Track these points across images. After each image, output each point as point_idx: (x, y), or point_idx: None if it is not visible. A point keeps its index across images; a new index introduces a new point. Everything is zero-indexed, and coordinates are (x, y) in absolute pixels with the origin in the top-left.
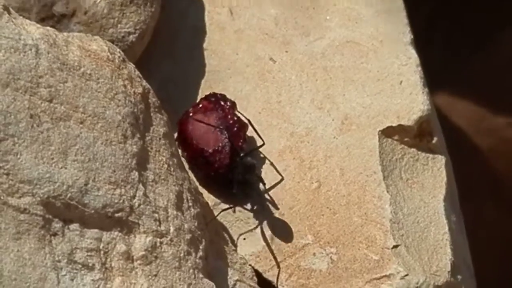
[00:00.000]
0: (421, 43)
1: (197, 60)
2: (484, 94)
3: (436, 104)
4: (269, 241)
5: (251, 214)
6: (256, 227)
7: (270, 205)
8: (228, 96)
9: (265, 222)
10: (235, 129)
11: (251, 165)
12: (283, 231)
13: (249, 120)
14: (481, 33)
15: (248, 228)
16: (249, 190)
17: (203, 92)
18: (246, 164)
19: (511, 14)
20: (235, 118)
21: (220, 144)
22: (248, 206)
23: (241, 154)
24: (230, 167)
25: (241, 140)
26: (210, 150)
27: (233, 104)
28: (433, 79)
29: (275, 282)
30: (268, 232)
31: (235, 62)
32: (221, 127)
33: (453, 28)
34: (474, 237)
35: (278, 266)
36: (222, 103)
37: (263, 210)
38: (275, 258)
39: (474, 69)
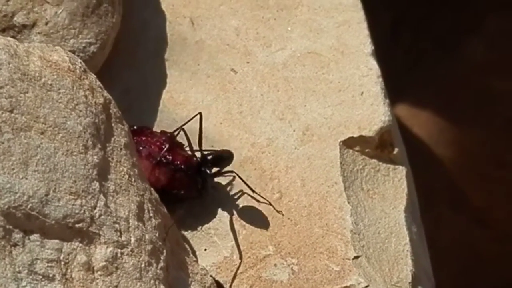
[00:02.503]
0: (382, 54)
1: (158, 71)
2: (445, 105)
3: (397, 115)
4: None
5: (212, 225)
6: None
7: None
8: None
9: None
10: (165, 149)
11: (215, 157)
12: (257, 218)
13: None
14: (443, 45)
15: (210, 239)
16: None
17: (164, 102)
18: (214, 159)
19: (472, 25)
20: (159, 141)
21: (168, 173)
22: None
23: (198, 159)
24: (192, 182)
25: (183, 153)
26: (164, 184)
27: (145, 128)
28: (394, 90)
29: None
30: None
31: (196, 73)
32: (156, 160)
33: (415, 39)
34: (434, 247)
35: (241, 258)
36: (136, 137)
37: (231, 203)
38: (239, 250)
39: (436, 80)
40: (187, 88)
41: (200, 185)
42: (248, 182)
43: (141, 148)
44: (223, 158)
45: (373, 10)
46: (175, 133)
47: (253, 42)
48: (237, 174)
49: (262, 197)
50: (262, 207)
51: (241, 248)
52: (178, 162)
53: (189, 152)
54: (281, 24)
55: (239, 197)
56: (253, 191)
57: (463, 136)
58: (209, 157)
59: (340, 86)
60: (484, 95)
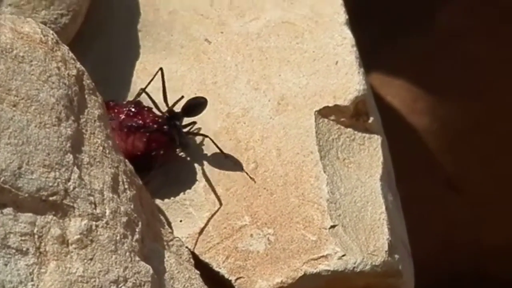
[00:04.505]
0: (356, 22)
1: (132, 42)
2: (418, 73)
3: (371, 83)
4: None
5: (187, 196)
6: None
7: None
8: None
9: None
10: (134, 112)
11: (186, 106)
12: (230, 162)
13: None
14: (416, 13)
15: (185, 210)
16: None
17: (137, 73)
18: (186, 108)
19: None
20: (126, 109)
21: (143, 136)
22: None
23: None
24: (169, 139)
25: (152, 114)
26: (142, 148)
27: (110, 101)
28: (368, 59)
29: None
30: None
31: (170, 43)
32: (128, 125)
33: (388, 7)
34: (410, 215)
35: (220, 204)
36: None
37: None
38: (217, 196)
39: (409, 49)
40: (161, 59)
41: (178, 140)
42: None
43: (110, 121)
44: (195, 105)
45: None
46: (138, 96)
47: (227, 12)
48: (210, 138)
49: (235, 159)
50: (238, 176)
51: (217, 219)
52: (150, 123)
53: (158, 112)
54: None
55: (210, 154)
56: (226, 156)
57: (436, 103)
58: (180, 108)
59: (314, 56)
60: (458, 62)
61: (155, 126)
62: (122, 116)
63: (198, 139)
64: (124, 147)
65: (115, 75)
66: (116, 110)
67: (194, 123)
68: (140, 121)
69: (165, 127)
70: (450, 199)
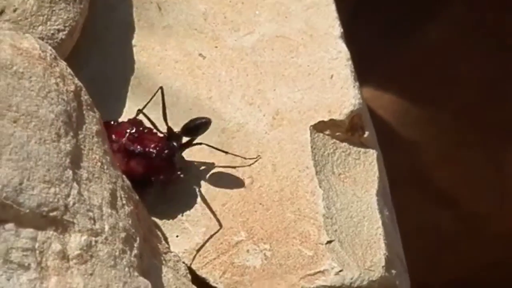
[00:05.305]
0: (345, 36)
1: (127, 57)
2: (408, 87)
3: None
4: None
5: (183, 211)
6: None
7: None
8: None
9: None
10: (136, 137)
11: (188, 128)
12: (229, 180)
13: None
14: (404, 27)
15: (181, 225)
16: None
17: (132, 89)
18: (188, 129)
19: (434, 8)
20: (127, 132)
21: (144, 161)
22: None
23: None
24: (169, 164)
25: (153, 138)
26: (142, 173)
27: (110, 122)
28: (359, 72)
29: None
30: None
31: (164, 58)
32: (129, 149)
33: (377, 21)
34: (402, 229)
35: (220, 226)
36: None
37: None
38: (214, 214)
39: (398, 62)
40: (155, 74)
41: (177, 164)
42: (218, 169)
43: (112, 143)
44: (197, 125)
45: None
46: (138, 116)
47: (221, 26)
48: (206, 144)
49: (235, 155)
50: (233, 192)
51: (214, 234)
52: (151, 148)
53: (159, 134)
54: (249, 8)
55: (208, 169)
56: (226, 153)
57: (425, 117)
58: (182, 129)
59: (309, 70)
60: (445, 76)
61: (156, 151)
62: (124, 140)
63: (194, 157)
64: (124, 170)
65: (110, 90)
66: (117, 132)
67: (192, 141)
68: (141, 146)
69: (165, 151)
70: (440, 213)
